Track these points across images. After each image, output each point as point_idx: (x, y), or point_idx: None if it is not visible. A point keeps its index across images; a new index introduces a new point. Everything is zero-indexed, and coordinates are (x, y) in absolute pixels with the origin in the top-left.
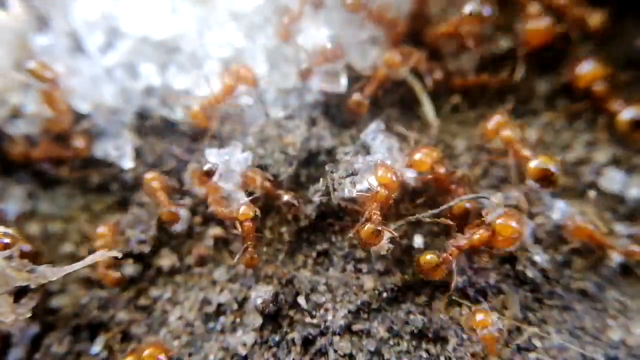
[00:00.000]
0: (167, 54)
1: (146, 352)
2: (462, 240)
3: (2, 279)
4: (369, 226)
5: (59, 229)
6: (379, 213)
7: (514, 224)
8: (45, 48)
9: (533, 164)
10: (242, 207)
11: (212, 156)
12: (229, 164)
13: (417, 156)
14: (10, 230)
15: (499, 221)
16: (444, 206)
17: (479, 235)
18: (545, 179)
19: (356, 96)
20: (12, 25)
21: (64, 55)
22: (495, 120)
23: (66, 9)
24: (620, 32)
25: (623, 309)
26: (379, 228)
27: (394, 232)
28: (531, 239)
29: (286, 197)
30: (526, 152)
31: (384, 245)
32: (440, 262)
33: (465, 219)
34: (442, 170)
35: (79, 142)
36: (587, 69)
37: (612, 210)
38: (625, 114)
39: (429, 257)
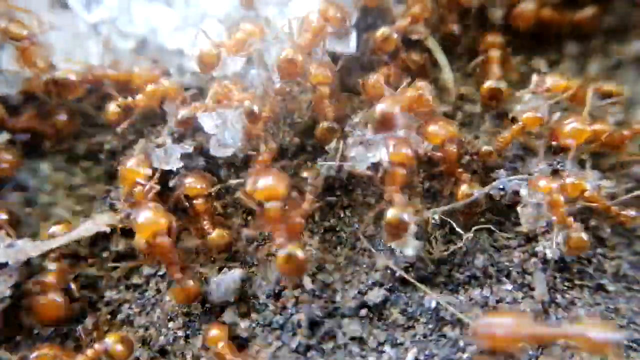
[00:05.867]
0: (159, 10)
1: None
2: None
3: None
4: (392, 212)
5: (42, 202)
6: (400, 195)
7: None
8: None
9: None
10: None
11: (207, 122)
12: (224, 126)
13: (432, 128)
14: None
15: None
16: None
17: None
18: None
19: (385, 30)
20: None
21: (43, 10)
22: None
23: None
24: None
25: None
26: (405, 216)
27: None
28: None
29: None
30: None
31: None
32: None
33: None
34: (453, 148)
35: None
36: None
37: None
38: None
39: None
